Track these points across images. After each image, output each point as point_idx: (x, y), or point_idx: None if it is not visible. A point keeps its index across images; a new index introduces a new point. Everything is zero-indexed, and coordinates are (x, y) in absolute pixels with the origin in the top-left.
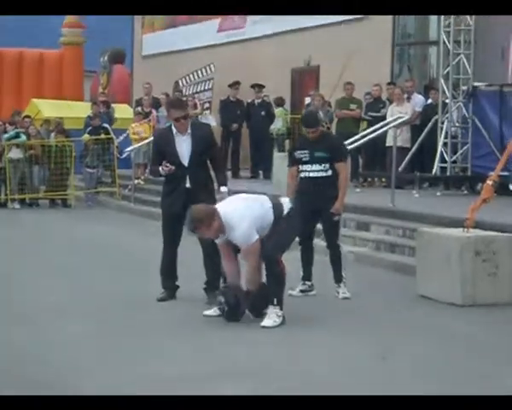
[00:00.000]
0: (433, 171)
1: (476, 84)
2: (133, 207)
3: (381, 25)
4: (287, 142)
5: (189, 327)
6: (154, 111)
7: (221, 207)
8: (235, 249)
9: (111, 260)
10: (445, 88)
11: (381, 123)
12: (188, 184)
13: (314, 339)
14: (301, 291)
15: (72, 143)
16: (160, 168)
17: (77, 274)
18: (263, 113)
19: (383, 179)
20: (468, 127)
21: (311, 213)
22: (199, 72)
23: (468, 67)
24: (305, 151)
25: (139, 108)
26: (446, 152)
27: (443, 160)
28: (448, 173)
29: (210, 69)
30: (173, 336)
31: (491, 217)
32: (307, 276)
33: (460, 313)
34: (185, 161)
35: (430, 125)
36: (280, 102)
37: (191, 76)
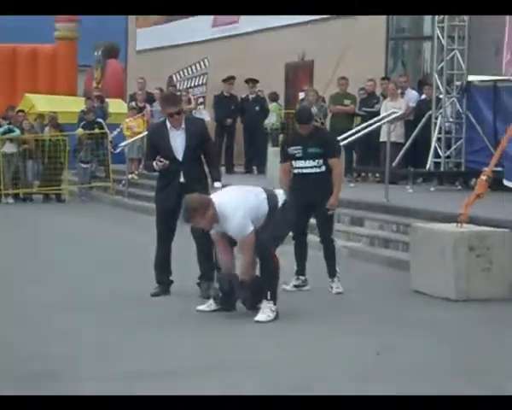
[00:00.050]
0: (427, 166)
1: (470, 78)
2: (127, 202)
3: (375, 20)
4: (281, 137)
5: (182, 322)
6: (147, 106)
7: (216, 197)
8: (231, 242)
9: (104, 255)
10: (438, 83)
11: (375, 118)
12: (182, 179)
13: (308, 334)
14: (295, 286)
15: (66, 138)
16: (154, 163)
17: (70, 269)
18: (257, 108)
19: (377, 175)
20: (461, 123)
21: (305, 208)
22: (193, 67)
23: (462, 62)
24: (299, 147)
25: (133, 103)
26: (440, 147)
27: (437, 155)
28: (442, 169)
29: (204, 64)
30: (166, 331)
31: (484, 212)
32: (301, 271)
33: (454, 308)
34: (179, 156)
35: (424, 120)
36: (274, 97)
37: (185, 71)
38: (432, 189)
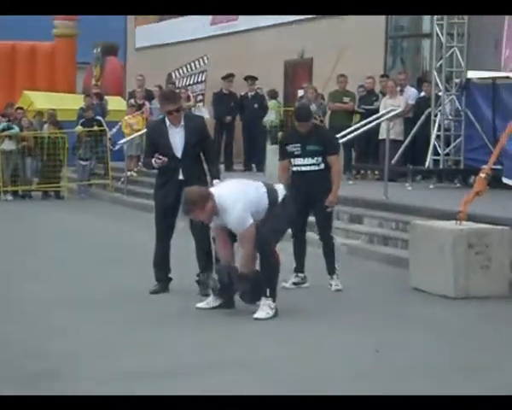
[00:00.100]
0: (426, 164)
1: (470, 74)
2: (126, 200)
3: (374, 17)
4: (280, 134)
5: (181, 319)
6: (147, 103)
7: (215, 189)
8: (231, 236)
9: (103, 253)
10: (438, 81)
11: (374, 116)
12: (181, 177)
13: (307, 332)
14: (294, 283)
15: (65, 135)
16: (153, 161)
17: (69, 266)
18: (256, 105)
19: (376, 172)
20: (460, 120)
21: (304, 205)
22: (192, 64)
23: (461, 59)
24: (297, 145)
25: (132, 101)
26: (439, 145)
27: (436, 153)
28: (441, 166)
29: (203, 61)
30: (165, 329)
31: (483, 210)
32: (300, 268)
33: (453, 306)
34: (178, 153)
35: (423, 117)
36: (273, 94)
37: (184, 68)
38: (431, 186)
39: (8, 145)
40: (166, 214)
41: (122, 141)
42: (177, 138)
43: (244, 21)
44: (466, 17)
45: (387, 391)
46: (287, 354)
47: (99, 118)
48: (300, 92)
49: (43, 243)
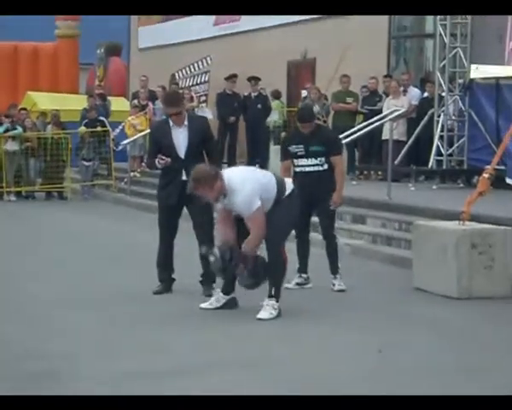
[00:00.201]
0: (430, 164)
1: (473, 74)
2: (129, 200)
3: (377, 18)
4: (283, 134)
5: (184, 320)
6: (150, 104)
7: (225, 170)
8: (237, 225)
9: (106, 253)
10: (441, 81)
11: (378, 116)
12: (184, 177)
13: (310, 332)
14: (297, 284)
15: (68, 136)
16: (156, 161)
17: (72, 266)
18: (259, 105)
19: (379, 172)
20: (464, 120)
21: (307, 205)
22: (195, 64)
23: (464, 60)
24: (301, 145)
25: (135, 101)
26: (442, 145)
27: (439, 153)
28: (444, 167)
29: (206, 62)
30: (168, 329)
31: (487, 210)
32: (303, 268)
33: (456, 306)
34: (181, 154)
35: (426, 118)
36: (277, 94)
37: (187, 69)
38: (434, 187)
39: (12, 146)
40: (170, 215)
41: (125, 141)
42: (180, 139)
43: (247, 22)
44: (469, 17)
45: (390, 391)
46: (289, 354)
47: (102, 118)
48: (304, 93)
49: (46, 244)
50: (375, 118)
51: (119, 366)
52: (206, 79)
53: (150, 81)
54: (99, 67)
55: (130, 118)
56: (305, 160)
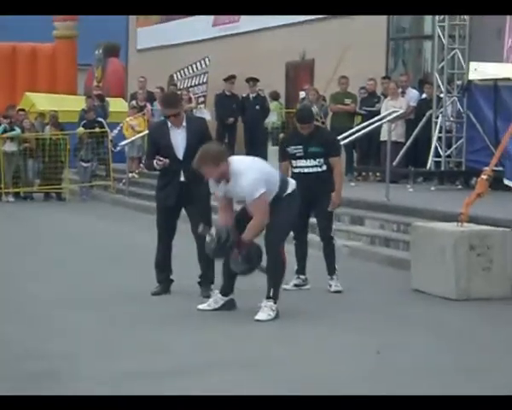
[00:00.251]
0: (428, 165)
1: (471, 75)
2: (127, 201)
3: (375, 19)
4: (281, 136)
5: (182, 320)
6: (148, 105)
7: (232, 157)
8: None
9: (105, 254)
10: (439, 82)
11: (376, 117)
12: (182, 178)
13: (308, 333)
14: (295, 285)
15: (66, 137)
16: (154, 162)
17: (70, 267)
18: (257, 107)
19: (378, 174)
20: (462, 122)
21: (305, 206)
22: (193, 66)
23: (462, 61)
24: (299, 146)
25: (134, 102)
26: (441, 147)
27: (437, 154)
28: (442, 168)
29: (205, 63)
30: (166, 329)
31: (485, 211)
32: (301, 270)
33: (454, 308)
34: (180, 155)
35: (424, 119)
36: (275, 96)
37: (186, 70)
38: (432, 188)
39: (10, 147)
40: (168, 216)
41: (123, 142)
42: (178, 140)
43: (246, 23)
44: (467, 19)
45: (390, 391)
46: (287, 354)
47: (100, 119)
48: (302, 94)
49: (45, 244)
50: (374, 119)
51: (119, 366)
52: (205, 80)
53: (148, 82)
54: (97, 67)
55: (128, 119)
56: (304, 161)
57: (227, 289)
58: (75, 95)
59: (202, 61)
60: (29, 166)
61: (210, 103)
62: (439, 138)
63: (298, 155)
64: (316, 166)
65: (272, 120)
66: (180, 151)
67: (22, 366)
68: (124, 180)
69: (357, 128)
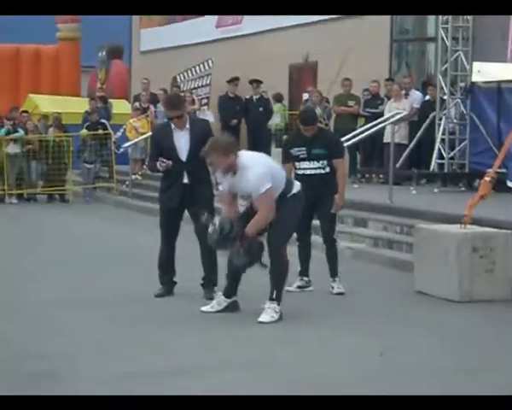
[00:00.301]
0: (431, 167)
1: (474, 77)
2: (131, 203)
3: (379, 21)
4: (284, 137)
5: (186, 323)
6: (151, 107)
7: (242, 151)
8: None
9: (108, 255)
10: (442, 84)
11: (379, 119)
12: (185, 180)
13: (310, 334)
14: (298, 287)
15: (69, 139)
16: (158, 164)
17: (75, 269)
18: (261, 108)
19: (381, 176)
20: (465, 124)
21: (308, 208)
22: (197, 67)
23: (466, 63)
24: (303, 148)
25: (137, 104)
26: (444, 149)
27: (440, 156)
28: (446, 170)
29: (208, 65)
30: (168, 331)
31: (488, 213)
32: (304, 271)
33: (457, 310)
34: (183, 157)
35: (428, 121)
36: (279, 97)
37: (189, 72)
38: (435, 190)
39: (13, 149)
40: (171, 217)
41: (127, 144)
42: (182, 142)
43: (249, 25)
44: (471, 20)
45: (390, 391)
46: (290, 356)
47: (104, 121)
48: (305, 96)
49: (48, 246)
50: (377, 121)
51: (119, 366)
52: (208, 81)
53: (152, 84)
54: (101, 69)
55: (131, 121)
56: (307, 163)
57: (230, 292)
58: (78, 97)
59: (206, 63)
60: (32, 168)
61: (213, 105)
62: (443, 140)
63: (301, 156)
64: (319, 167)
65: (275, 121)
66: (183, 153)
67: (22, 366)
68: (127, 182)
69: (360, 130)
